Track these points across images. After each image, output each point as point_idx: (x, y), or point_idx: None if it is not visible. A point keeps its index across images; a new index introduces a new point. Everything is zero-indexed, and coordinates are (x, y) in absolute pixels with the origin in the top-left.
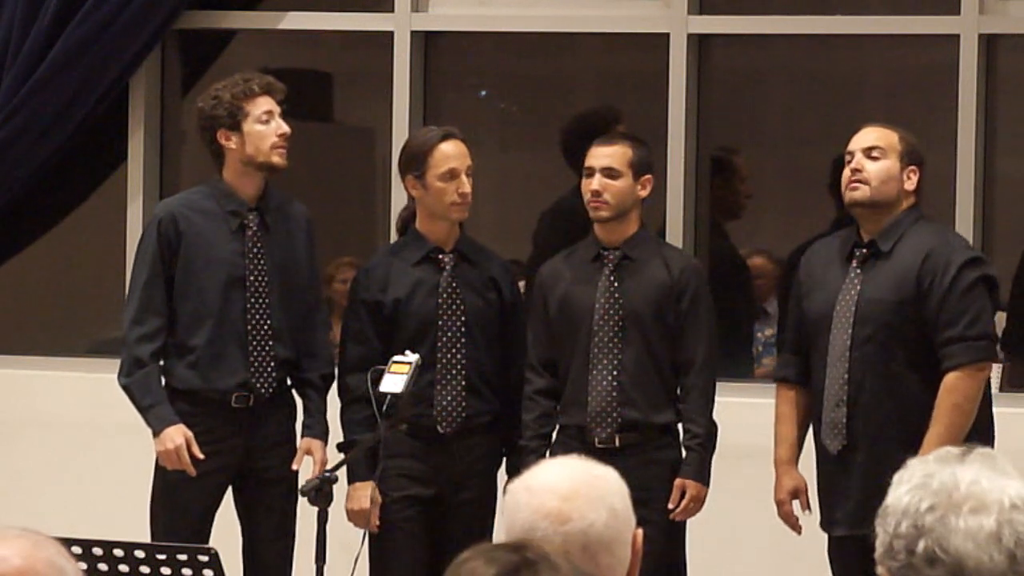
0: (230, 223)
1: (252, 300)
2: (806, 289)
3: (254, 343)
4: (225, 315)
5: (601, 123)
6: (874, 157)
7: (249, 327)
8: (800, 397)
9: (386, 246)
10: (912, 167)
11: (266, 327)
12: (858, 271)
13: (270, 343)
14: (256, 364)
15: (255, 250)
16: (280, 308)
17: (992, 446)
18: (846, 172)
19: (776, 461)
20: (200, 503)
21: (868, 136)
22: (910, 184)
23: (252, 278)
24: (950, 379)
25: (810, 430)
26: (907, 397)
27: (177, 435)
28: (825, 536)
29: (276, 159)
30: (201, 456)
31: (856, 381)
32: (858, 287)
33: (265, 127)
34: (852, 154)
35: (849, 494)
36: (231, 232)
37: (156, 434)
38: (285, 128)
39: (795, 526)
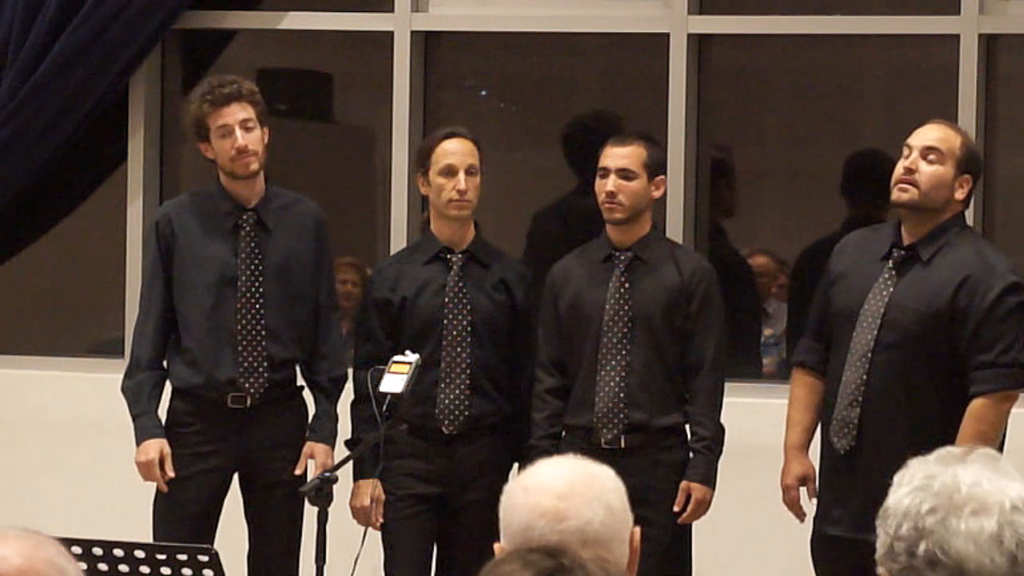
0: (224, 224)
1: (244, 300)
2: (835, 278)
3: (244, 343)
4: (218, 315)
5: (603, 126)
6: (931, 160)
7: (239, 327)
8: (817, 384)
9: (405, 247)
10: (966, 176)
11: (259, 327)
12: (893, 272)
13: (263, 343)
14: (245, 364)
15: (248, 250)
16: (279, 309)
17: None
18: (899, 167)
19: (786, 445)
20: (197, 502)
21: (931, 134)
22: (960, 193)
23: (244, 278)
24: (976, 405)
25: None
26: (921, 409)
27: (151, 449)
28: None
29: (239, 171)
30: (172, 474)
31: (874, 385)
32: (891, 289)
33: (224, 141)
34: (910, 149)
35: (853, 496)
36: (225, 233)
37: (137, 444)
38: (241, 142)
39: (800, 514)
